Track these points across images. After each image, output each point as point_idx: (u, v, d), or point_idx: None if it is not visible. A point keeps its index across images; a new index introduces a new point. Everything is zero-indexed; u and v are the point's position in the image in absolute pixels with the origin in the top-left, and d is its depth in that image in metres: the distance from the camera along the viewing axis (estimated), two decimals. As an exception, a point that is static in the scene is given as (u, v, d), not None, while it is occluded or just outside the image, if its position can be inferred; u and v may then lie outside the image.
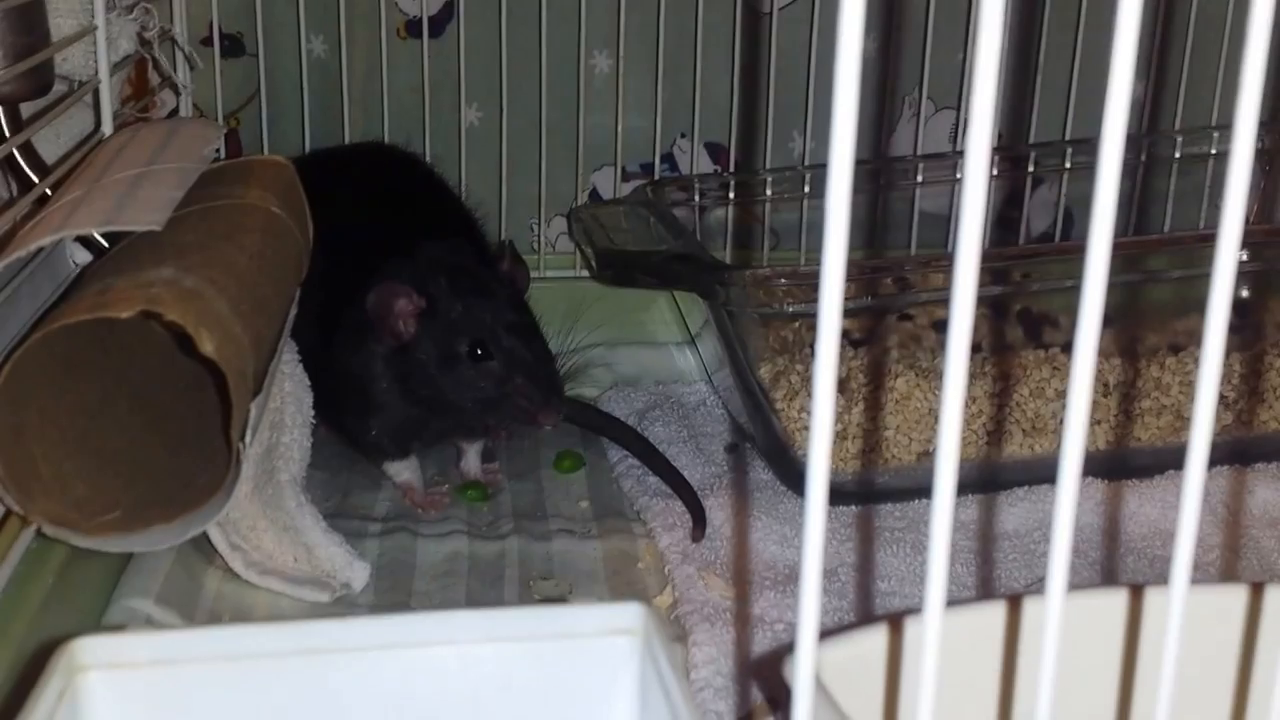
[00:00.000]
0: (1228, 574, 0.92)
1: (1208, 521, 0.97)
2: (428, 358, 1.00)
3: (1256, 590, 0.63)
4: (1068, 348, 1.04)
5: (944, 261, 1.04)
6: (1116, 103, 0.34)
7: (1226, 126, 1.26)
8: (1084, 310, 0.35)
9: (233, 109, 1.31)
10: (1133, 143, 1.26)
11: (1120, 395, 1.02)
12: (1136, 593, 0.62)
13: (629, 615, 0.60)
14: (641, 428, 1.15)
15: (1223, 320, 0.36)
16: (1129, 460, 1.02)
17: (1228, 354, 1.01)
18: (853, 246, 1.15)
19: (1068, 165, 1.28)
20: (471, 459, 1.12)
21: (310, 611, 0.89)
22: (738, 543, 0.97)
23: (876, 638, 0.61)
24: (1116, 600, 0.63)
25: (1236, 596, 0.64)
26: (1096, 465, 1.01)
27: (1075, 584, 0.91)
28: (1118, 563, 0.94)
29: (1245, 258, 1.00)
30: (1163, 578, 0.90)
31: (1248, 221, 1.16)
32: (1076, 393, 0.36)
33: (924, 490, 0.96)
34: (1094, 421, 1.02)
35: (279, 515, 0.91)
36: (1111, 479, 1.01)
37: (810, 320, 1.04)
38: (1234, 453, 1.03)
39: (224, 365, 0.71)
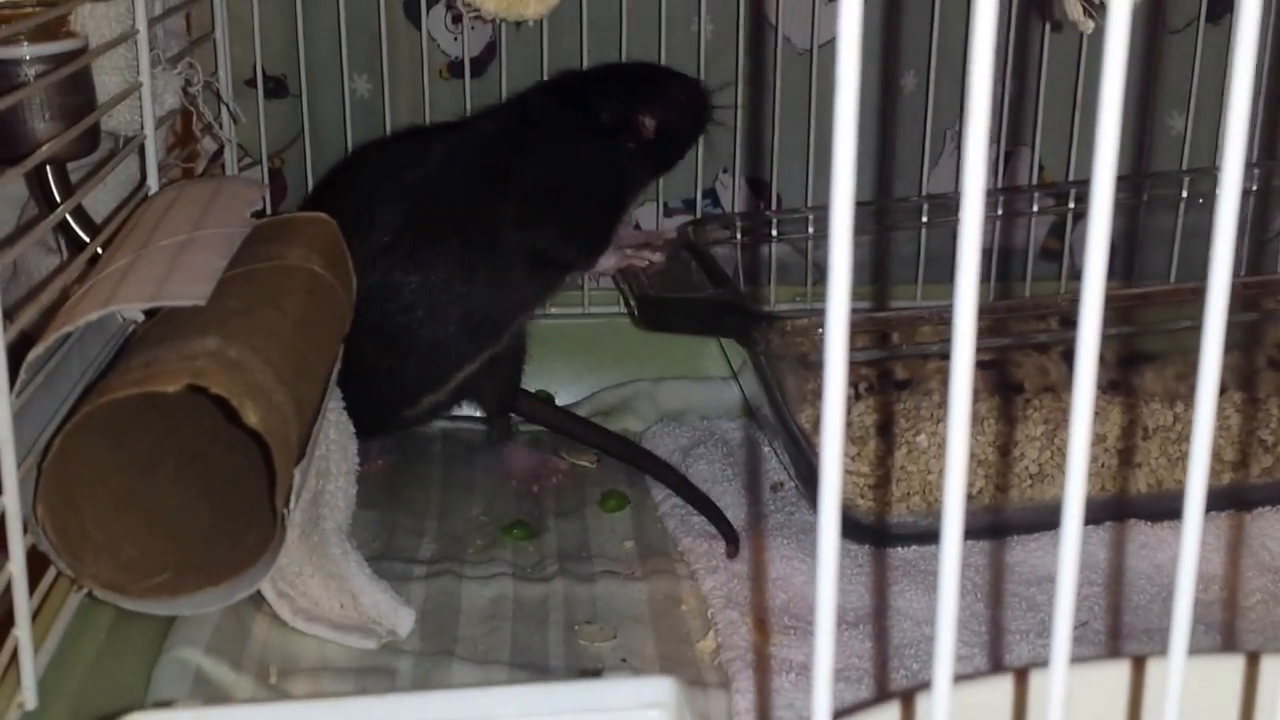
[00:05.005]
0: (1267, 620, 0.92)
1: (1248, 564, 0.97)
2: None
3: (1253, 660, 0.63)
4: (1109, 388, 1.04)
5: (986, 305, 1.04)
6: (1106, 142, 0.34)
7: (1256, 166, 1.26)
8: (1080, 359, 0.35)
9: (277, 149, 1.32)
10: (1173, 179, 1.26)
11: (1161, 439, 1.02)
12: (1139, 665, 0.62)
13: (661, 690, 0.61)
14: (685, 465, 1.16)
15: (1216, 361, 0.36)
16: (1171, 504, 1.01)
17: (1267, 397, 1.02)
18: (896, 283, 1.15)
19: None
20: None
21: (357, 658, 0.90)
22: (783, 586, 0.98)
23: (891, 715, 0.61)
24: (1118, 673, 0.63)
25: (1233, 667, 0.64)
26: (1137, 508, 1.01)
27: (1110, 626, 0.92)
28: (1159, 608, 0.94)
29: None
30: (1202, 620, 0.91)
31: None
32: (1077, 432, 0.36)
33: (969, 532, 0.97)
34: (1134, 465, 1.02)
35: (324, 562, 0.92)
36: (1154, 521, 1.01)
37: (850, 367, 1.04)
38: (1277, 495, 1.03)
39: (267, 436, 0.72)
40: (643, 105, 1.18)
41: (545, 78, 1.27)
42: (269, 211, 1.20)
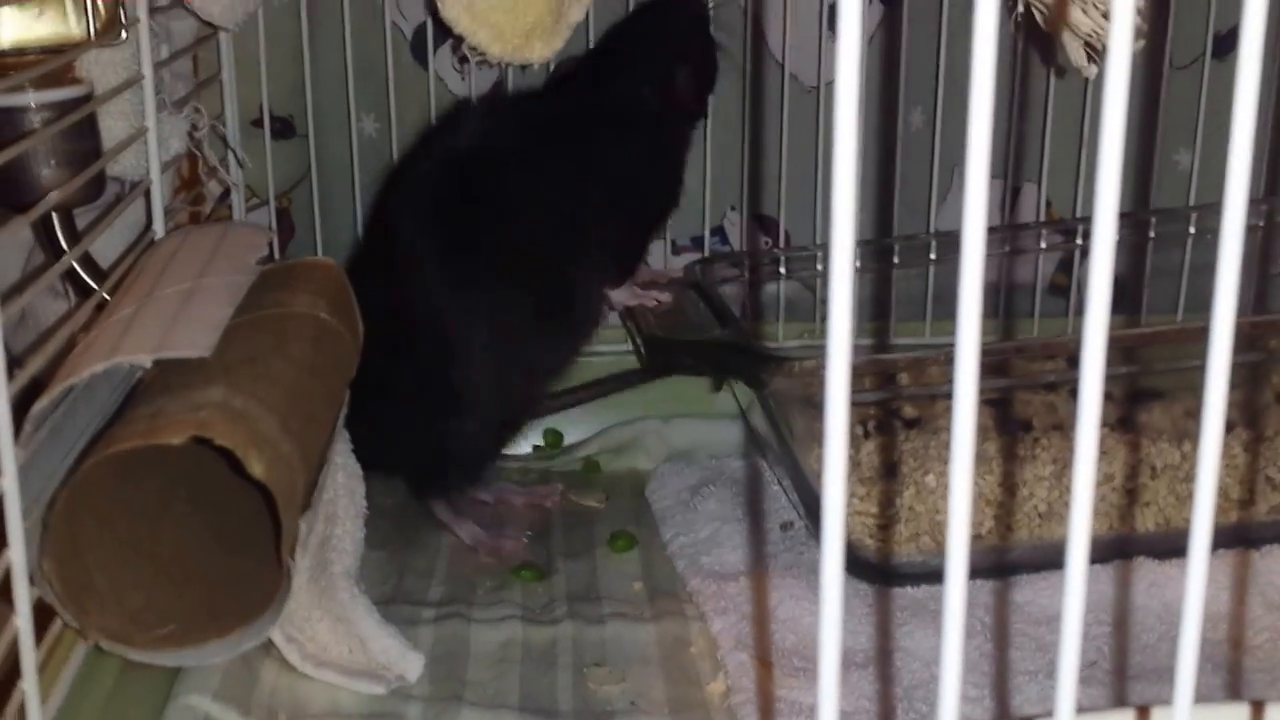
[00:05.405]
0: (1275, 658, 0.91)
1: (1256, 602, 0.97)
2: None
3: (1258, 709, 0.62)
4: (1119, 424, 1.04)
5: (995, 343, 1.04)
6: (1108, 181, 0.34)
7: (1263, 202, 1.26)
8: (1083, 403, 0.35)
9: (284, 189, 1.32)
10: (1181, 215, 1.26)
11: (1169, 477, 1.02)
12: (1143, 714, 0.62)
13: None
14: (694, 504, 1.15)
15: (1221, 397, 0.36)
16: (1179, 542, 1.01)
17: (1274, 435, 1.02)
18: (905, 320, 1.15)
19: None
20: None
21: (366, 704, 0.90)
22: (792, 627, 0.97)
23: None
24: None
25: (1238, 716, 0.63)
26: (1146, 547, 1.01)
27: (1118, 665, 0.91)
28: (1168, 647, 0.93)
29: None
30: (1210, 660, 0.90)
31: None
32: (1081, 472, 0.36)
33: (978, 572, 0.97)
34: (1143, 503, 1.02)
35: (333, 606, 0.92)
36: (1162, 559, 1.01)
37: (858, 407, 1.04)
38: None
39: (272, 486, 0.72)
40: (674, 60, 1.15)
41: (543, 83, 1.25)
42: (277, 252, 1.20)
